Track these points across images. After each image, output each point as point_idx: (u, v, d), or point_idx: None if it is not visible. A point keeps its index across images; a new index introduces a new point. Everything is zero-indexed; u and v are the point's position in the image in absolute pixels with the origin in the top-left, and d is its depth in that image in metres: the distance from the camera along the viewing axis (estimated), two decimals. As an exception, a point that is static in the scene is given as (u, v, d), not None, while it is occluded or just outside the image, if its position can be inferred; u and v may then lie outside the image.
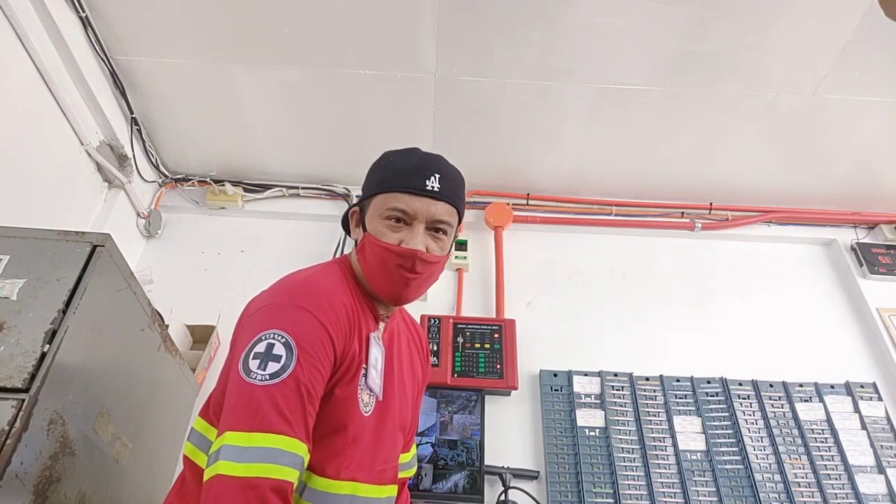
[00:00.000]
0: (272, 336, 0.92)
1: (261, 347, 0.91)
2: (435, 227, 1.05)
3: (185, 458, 1.04)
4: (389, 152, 1.13)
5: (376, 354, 1.08)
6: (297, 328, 0.93)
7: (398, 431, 1.15)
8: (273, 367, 0.89)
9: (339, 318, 0.99)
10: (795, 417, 1.93)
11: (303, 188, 2.44)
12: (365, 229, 1.08)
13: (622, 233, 2.44)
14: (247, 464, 0.82)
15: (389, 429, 1.10)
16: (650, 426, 1.90)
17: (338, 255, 1.96)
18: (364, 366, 1.04)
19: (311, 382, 0.91)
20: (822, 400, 1.97)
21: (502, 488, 1.70)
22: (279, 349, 0.90)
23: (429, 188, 1.03)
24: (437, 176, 1.04)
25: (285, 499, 0.84)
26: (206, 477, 0.84)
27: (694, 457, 1.85)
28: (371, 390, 1.06)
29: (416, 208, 1.03)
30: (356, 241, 1.13)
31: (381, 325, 1.13)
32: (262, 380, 0.88)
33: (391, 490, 1.12)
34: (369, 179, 1.12)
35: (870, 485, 1.80)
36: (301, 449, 0.88)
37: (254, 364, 0.89)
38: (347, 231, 1.20)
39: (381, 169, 1.10)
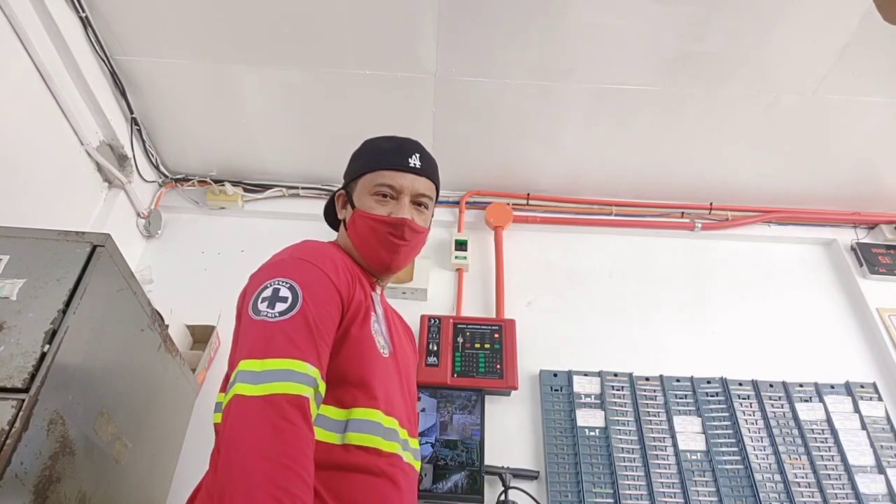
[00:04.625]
0: (277, 283, 0.97)
1: (267, 293, 0.96)
2: (418, 202, 1.17)
3: (216, 427, 1.04)
4: (370, 139, 1.24)
5: (378, 311, 1.14)
6: (300, 275, 0.99)
7: (408, 392, 1.18)
8: (281, 306, 0.94)
9: (339, 270, 1.05)
10: (795, 417, 1.93)
11: (303, 188, 2.44)
12: (354, 207, 1.18)
13: (622, 233, 2.44)
14: (263, 384, 0.86)
15: (405, 380, 1.15)
16: (650, 426, 1.90)
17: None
18: (373, 312, 1.10)
19: (320, 319, 0.96)
20: (822, 400, 1.97)
21: (502, 488, 1.70)
22: (285, 292, 0.96)
23: (412, 165, 1.16)
24: (418, 155, 1.17)
25: (303, 410, 0.87)
26: (224, 401, 0.88)
27: (694, 457, 1.85)
28: (384, 337, 1.11)
29: (401, 184, 1.14)
30: (344, 221, 1.22)
31: (378, 290, 1.22)
32: (272, 317, 0.93)
33: (416, 444, 1.15)
34: (354, 164, 1.23)
35: (870, 485, 1.80)
36: (313, 371, 0.91)
37: (262, 305, 0.95)
38: (328, 220, 1.31)
39: (365, 153, 1.22)
